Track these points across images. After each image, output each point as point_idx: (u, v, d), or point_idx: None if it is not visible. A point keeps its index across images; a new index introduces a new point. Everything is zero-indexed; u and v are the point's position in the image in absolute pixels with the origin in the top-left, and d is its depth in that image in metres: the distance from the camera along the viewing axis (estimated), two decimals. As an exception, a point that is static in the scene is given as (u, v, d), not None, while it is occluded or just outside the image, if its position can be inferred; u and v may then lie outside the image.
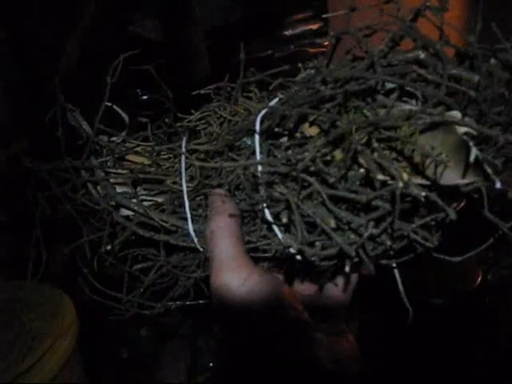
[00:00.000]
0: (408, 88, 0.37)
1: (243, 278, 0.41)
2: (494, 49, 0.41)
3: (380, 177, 0.31)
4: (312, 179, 0.34)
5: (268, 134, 0.42)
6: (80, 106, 0.57)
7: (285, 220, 0.35)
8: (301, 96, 0.39)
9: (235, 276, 0.41)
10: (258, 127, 0.42)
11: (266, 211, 0.39)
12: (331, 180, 0.34)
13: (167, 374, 1.20)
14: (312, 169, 0.35)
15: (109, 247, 0.56)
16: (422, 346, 1.02)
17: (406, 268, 0.45)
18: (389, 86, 0.39)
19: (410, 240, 0.39)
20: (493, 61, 0.39)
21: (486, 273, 1.07)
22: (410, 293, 0.43)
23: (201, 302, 0.58)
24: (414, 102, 0.39)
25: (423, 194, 0.32)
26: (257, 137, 0.42)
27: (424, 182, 0.35)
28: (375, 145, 0.34)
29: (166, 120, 0.58)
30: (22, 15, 1.23)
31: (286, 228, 0.40)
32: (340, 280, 0.50)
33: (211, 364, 1.20)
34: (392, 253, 0.41)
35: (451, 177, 0.34)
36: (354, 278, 0.51)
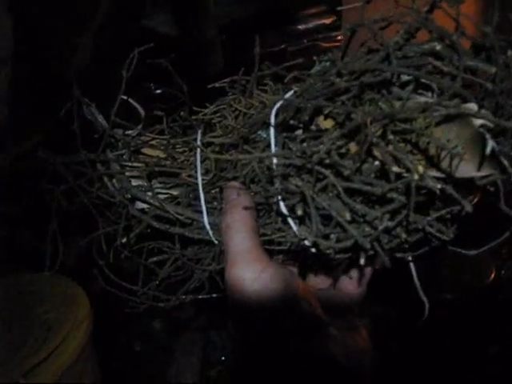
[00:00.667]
0: (423, 80, 0.37)
1: (258, 271, 0.41)
2: (510, 40, 0.40)
3: (395, 169, 0.31)
4: (327, 172, 0.34)
5: (283, 127, 0.42)
6: (95, 101, 0.57)
7: (300, 212, 0.35)
8: (316, 88, 0.39)
9: (250, 269, 0.41)
10: (272, 120, 0.42)
11: (281, 204, 0.39)
12: (346, 172, 0.34)
13: (180, 367, 1.20)
14: (327, 161, 0.35)
15: (124, 240, 0.56)
16: (435, 341, 1.01)
17: (419, 263, 0.45)
18: (404, 78, 0.39)
19: (426, 233, 0.39)
20: (510, 52, 0.38)
21: (499, 268, 1.06)
22: (423, 288, 0.43)
23: (215, 295, 0.58)
24: (429, 94, 0.39)
25: (438, 186, 0.32)
26: (272, 129, 0.41)
27: (439, 174, 0.34)
28: (390, 137, 0.34)
29: (182, 113, 0.59)
30: (36, 10, 1.24)
31: (301, 221, 0.40)
32: (354, 273, 0.50)
33: (224, 358, 1.21)
34: (407, 246, 0.41)
35: (467, 169, 0.34)
36: (368, 271, 0.51)
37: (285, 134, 0.42)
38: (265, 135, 0.45)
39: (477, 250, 0.43)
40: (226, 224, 0.43)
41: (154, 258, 0.59)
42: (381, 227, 0.34)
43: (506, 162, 0.32)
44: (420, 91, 0.39)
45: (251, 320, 0.43)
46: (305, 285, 0.46)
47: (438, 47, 0.38)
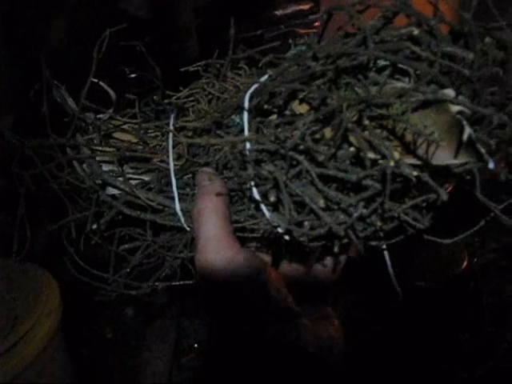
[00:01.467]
0: (401, 65, 0.36)
1: (228, 258, 0.40)
2: (489, 27, 0.39)
3: (371, 155, 0.30)
4: (301, 157, 0.33)
5: (257, 112, 0.41)
6: (69, 83, 0.55)
7: (272, 199, 0.34)
8: (291, 72, 0.38)
9: (220, 256, 0.40)
10: (246, 104, 0.40)
11: (254, 190, 0.38)
12: (321, 158, 0.32)
13: (152, 355, 1.19)
14: (301, 147, 0.34)
15: (95, 226, 0.54)
16: (408, 328, 1.03)
17: (393, 252, 0.44)
18: (381, 63, 0.38)
19: (401, 221, 0.38)
20: (487, 39, 0.38)
21: (471, 257, 1.07)
22: (396, 276, 0.43)
23: (187, 282, 0.57)
24: (406, 79, 0.38)
25: (414, 173, 0.31)
26: (245, 114, 0.40)
27: (415, 161, 0.34)
28: (366, 123, 0.33)
29: (154, 97, 0.57)
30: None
31: (274, 207, 0.39)
32: (328, 261, 0.49)
33: (196, 345, 1.20)
34: (382, 234, 0.40)
35: (443, 156, 0.33)
36: (342, 259, 0.50)
37: (258, 119, 0.41)
38: (238, 120, 0.44)
39: (452, 239, 0.43)
40: (198, 210, 0.43)
41: (125, 245, 0.57)
42: (355, 215, 0.33)
43: (482, 150, 0.31)
44: (397, 76, 0.38)
45: (222, 306, 0.43)
46: (276, 273, 0.46)
47: (416, 32, 0.37)
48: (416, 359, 0.99)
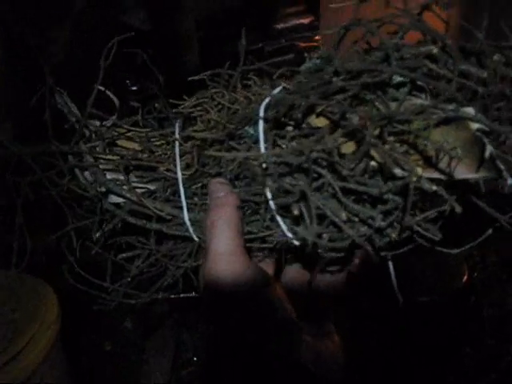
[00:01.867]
0: (420, 83, 0.36)
1: (237, 273, 0.40)
2: (500, 46, 0.40)
3: (398, 171, 0.30)
4: (324, 171, 0.33)
5: (272, 124, 0.41)
6: (69, 92, 0.54)
7: (296, 212, 0.34)
8: (310, 86, 0.38)
9: (230, 270, 0.40)
10: (262, 114, 0.40)
11: (271, 202, 0.38)
12: (345, 172, 0.33)
13: (151, 368, 1.19)
14: (321, 161, 0.34)
15: (98, 235, 0.53)
16: (410, 342, 1.03)
17: (394, 266, 0.44)
18: (397, 79, 0.39)
19: (414, 232, 0.38)
20: (496, 57, 0.38)
21: (472, 270, 1.08)
22: (397, 291, 0.43)
23: (188, 295, 0.56)
24: (423, 96, 0.39)
25: (434, 188, 0.32)
26: (261, 125, 0.40)
27: (437, 176, 0.34)
28: (388, 138, 0.33)
29: (156, 105, 0.56)
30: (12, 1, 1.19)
31: (294, 220, 0.39)
32: (329, 275, 0.48)
33: (195, 358, 1.20)
34: (393, 245, 0.40)
35: (463, 172, 0.34)
36: (342, 275, 0.49)
37: (274, 132, 0.40)
38: (252, 131, 0.44)
39: (459, 249, 0.42)
40: (212, 221, 0.42)
41: (125, 254, 0.57)
42: (376, 225, 0.34)
43: (502, 167, 0.31)
44: (414, 93, 0.39)
45: (225, 319, 0.43)
46: (282, 290, 0.46)
47: (435, 50, 0.37)
48: (418, 372, 0.99)
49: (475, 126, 0.34)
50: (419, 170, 0.31)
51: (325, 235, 0.35)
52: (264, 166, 0.38)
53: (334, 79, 0.37)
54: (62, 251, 0.55)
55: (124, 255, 0.56)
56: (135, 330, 1.27)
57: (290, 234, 0.38)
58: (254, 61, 0.54)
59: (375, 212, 0.33)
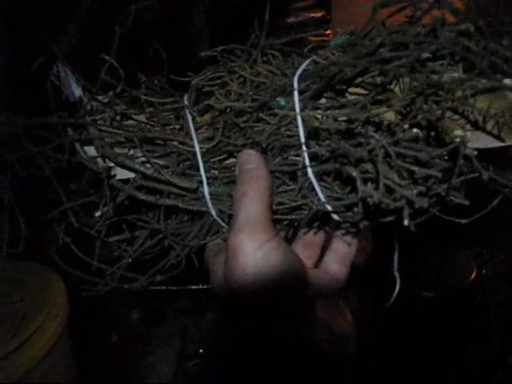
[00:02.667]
0: (465, 56, 0.37)
1: (263, 241, 0.40)
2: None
3: (457, 132, 0.30)
4: (377, 135, 0.32)
5: (310, 94, 0.41)
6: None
7: (355, 174, 0.34)
8: (353, 56, 0.38)
9: (254, 238, 0.40)
10: (296, 85, 0.40)
11: (309, 170, 0.39)
12: (399, 136, 0.33)
13: (157, 359, 1.19)
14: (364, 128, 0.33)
15: (98, 214, 0.51)
16: (415, 339, 1.03)
17: (400, 262, 0.45)
18: (425, 55, 0.39)
19: (442, 198, 0.38)
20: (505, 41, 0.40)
21: (480, 268, 1.09)
22: (403, 286, 0.44)
23: (198, 287, 0.54)
24: (456, 70, 0.39)
25: (475, 153, 0.32)
26: (296, 95, 0.40)
27: (481, 145, 0.33)
28: (434, 106, 0.33)
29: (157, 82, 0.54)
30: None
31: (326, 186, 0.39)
32: (339, 248, 0.49)
33: (201, 350, 1.19)
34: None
35: (510, 138, 0.35)
36: (353, 251, 0.50)
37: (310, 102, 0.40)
38: (283, 102, 0.43)
39: (468, 219, 0.42)
40: (243, 192, 0.42)
41: (123, 235, 0.54)
42: (435, 187, 0.34)
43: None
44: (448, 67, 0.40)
45: (246, 288, 0.42)
46: (304, 265, 0.46)
47: (472, 28, 0.38)
48: (423, 370, 1.00)
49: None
50: (469, 135, 0.30)
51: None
52: (303, 135, 0.37)
53: (381, 50, 0.37)
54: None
55: (123, 236, 0.54)
56: (141, 321, 1.27)
57: (326, 201, 0.39)
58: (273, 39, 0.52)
59: (434, 171, 0.33)
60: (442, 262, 1.07)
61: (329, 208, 0.39)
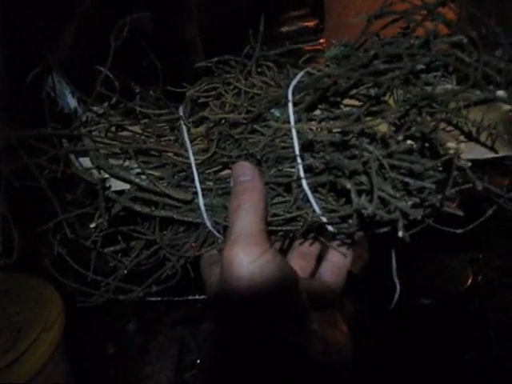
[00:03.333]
0: (458, 68, 0.38)
1: (257, 254, 0.40)
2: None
3: (451, 144, 0.30)
4: (371, 147, 0.33)
5: (304, 106, 0.41)
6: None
7: (349, 186, 0.34)
8: (347, 68, 0.39)
9: (249, 251, 0.40)
10: (290, 97, 0.40)
11: (304, 181, 0.39)
12: (393, 148, 0.33)
13: (154, 370, 1.18)
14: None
15: (93, 225, 0.51)
16: (412, 346, 1.03)
17: (397, 268, 0.45)
18: (419, 67, 0.39)
19: (437, 210, 0.38)
20: (498, 52, 0.40)
21: (476, 274, 1.09)
22: (400, 293, 0.43)
23: (195, 298, 0.54)
24: (450, 81, 0.40)
25: (469, 164, 0.33)
26: (291, 107, 0.40)
27: (475, 156, 0.34)
28: (428, 118, 0.34)
29: (152, 93, 0.54)
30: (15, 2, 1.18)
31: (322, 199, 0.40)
32: (334, 258, 0.49)
33: (198, 361, 1.19)
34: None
35: (505, 148, 0.36)
36: (348, 261, 0.50)
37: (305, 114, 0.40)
38: (278, 114, 0.43)
39: (464, 229, 0.43)
40: (238, 204, 0.42)
41: (118, 246, 0.54)
42: (429, 198, 0.34)
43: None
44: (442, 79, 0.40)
45: (241, 300, 0.42)
46: (299, 277, 0.45)
47: (465, 40, 0.39)
48: (421, 378, 1.00)
49: (507, 107, 0.35)
50: (462, 147, 0.30)
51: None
52: (298, 148, 0.37)
53: (375, 62, 0.37)
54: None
55: (118, 247, 0.54)
56: (138, 332, 1.26)
57: (321, 212, 0.39)
58: (267, 49, 0.52)
59: (428, 182, 0.33)
60: (437, 269, 1.07)
61: (323, 219, 0.39)
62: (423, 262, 1.06)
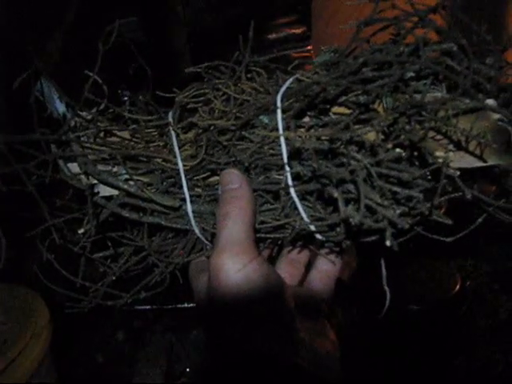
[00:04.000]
0: (447, 76, 0.38)
1: (244, 262, 0.40)
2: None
3: (440, 153, 0.30)
4: (360, 155, 0.32)
5: (293, 113, 0.41)
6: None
7: (336, 195, 0.33)
8: (336, 75, 0.39)
9: (236, 260, 0.40)
10: (279, 103, 0.40)
11: (292, 190, 0.38)
12: (381, 157, 0.32)
13: (143, 379, 1.17)
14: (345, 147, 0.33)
15: (81, 231, 0.50)
16: (401, 351, 1.03)
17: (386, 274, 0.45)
18: (409, 74, 0.39)
19: (426, 218, 0.38)
20: (489, 60, 0.40)
21: (464, 280, 1.09)
22: (389, 299, 0.43)
23: (185, 306, 0.53)
24: (440, 89, 0.39)
25: (458, 173, 0.32)
26: (279, 114, 0.40)
27: (464, 165, 0.33)
28: (417, 126, 0.35)
29: (141, 97, 0.54)
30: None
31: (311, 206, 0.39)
32: (323, 266, 0.49)
33: (187, 369, 1.18)
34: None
35: (493, 157, 0.35)
36: (337, 269, 0.50)
37: (290, 121, 0.40)
38: (266, 120, 0.42)
39: (453, 237, 0.42)
40: (226, 212, 0.42)
41: (108, 252, 0.53)
42: (419, 206, 0.33)
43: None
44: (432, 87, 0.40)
45: (228, 308, 0.42)
46: (287, 286, 0.45)
47: (455, 48, 0.38)
48: (410, 382, 0.99)
49: (496, 116, 0.35)
50: (452, 156, 0.30)
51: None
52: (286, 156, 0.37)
53: (364, 69, 0.37)
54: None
55: (107, 253, 0.53)
56: (127, 341, 1.24)
57: (309, 220, 0.39)
58: (257, 56, 0.52)
59: (417, 191, 0.33)
60: (427, 275, 1.07)
61: (312, 228, 0.39)
62: (412, 267, 1.06)
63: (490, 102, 0.36)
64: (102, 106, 0.52)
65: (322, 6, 1.13)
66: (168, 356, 1.19)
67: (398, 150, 0.34)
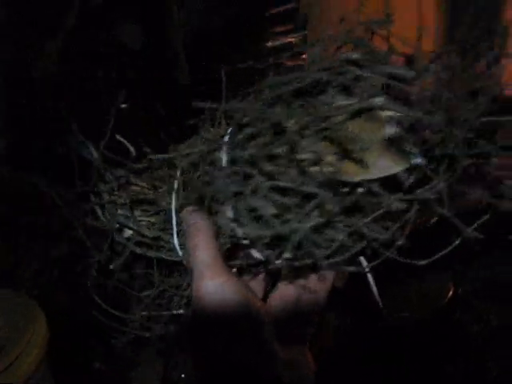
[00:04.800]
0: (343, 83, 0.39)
1: (219, 284, 0.43)
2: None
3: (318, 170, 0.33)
4: (254, 171, 0.36)
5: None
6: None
7: (229, 214, 0.38)
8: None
9: (212, 282, 0.43)
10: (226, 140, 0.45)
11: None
12: (273, 171, 0.36)
13: None
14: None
15: (111, 266, 0.57)
16: (393, 360, 0.99)
17: (377, 283, 0.46)
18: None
19: (366, 238, 0.39)
20: (432, 66, 0.40)
21: (456, 287, 1.06)
22: (381, 306, 0.46)
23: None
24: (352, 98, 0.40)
25: (356, 179, 0.34)
26: (224, 148, 0.45)
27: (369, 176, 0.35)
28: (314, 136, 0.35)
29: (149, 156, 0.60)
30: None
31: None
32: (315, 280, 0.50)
33: (183, 375, 1.17)
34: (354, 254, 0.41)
35: (386, 165, 0.35)
36: (329, 280, 0.51)
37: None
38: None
39: (426, 260, 0.44)
40: (194, 244, 0.46)
41: (150, 292, 0.59)
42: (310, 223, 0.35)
43: (407, 147, 0.33)
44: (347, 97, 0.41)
45: (208, 332, 0.45)
46: (261, 302, 0.48)
47: (355, 56, 0.40)
48: None
49: (386, 114, 0.35)
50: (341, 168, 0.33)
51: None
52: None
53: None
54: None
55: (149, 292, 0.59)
56: (124, 347, 1.22)
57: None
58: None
59: (308, 207, 0.35)
60: (418, 283, 1.05)
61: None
62: (403, 275, 1.03)
63: (379, 99, 0.36)
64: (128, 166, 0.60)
65: (316, 15, 1.12)
66: (165, 362, 1.20)
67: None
